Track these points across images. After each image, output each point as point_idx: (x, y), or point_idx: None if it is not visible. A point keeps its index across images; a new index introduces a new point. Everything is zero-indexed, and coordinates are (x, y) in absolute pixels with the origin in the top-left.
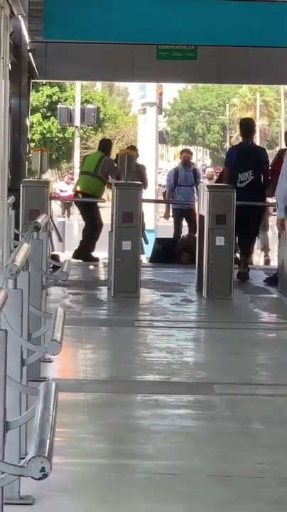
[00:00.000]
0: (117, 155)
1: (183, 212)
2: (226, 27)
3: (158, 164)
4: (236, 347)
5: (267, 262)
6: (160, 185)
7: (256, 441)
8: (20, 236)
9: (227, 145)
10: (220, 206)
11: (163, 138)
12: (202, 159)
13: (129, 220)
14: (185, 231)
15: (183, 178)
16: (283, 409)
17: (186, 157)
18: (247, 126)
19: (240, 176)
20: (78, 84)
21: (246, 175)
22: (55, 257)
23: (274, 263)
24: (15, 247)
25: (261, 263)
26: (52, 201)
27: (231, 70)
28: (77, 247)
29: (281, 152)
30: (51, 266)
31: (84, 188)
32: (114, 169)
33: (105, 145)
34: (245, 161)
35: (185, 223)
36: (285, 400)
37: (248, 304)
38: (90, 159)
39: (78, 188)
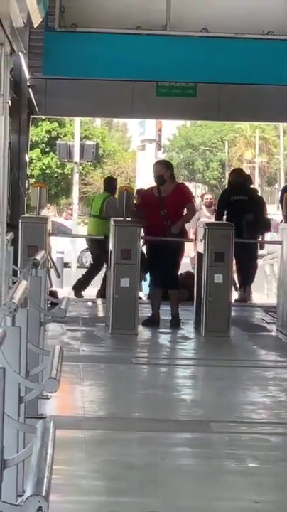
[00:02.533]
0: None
1: None
2: (226, 64)
3: None
4: (233, 385)
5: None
6: None
7: (253, 480)
8: (18, 272)
9: (226, 182)
10: (218, 244)
11: None
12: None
13: (128, 257)
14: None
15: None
16: (280, 448)
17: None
18: None
19: None
20: (77, 120)
21: None
22: (53, 294)
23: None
24: (14, 283)
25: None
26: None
27: (229, 108)
28: (75, 283)
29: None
30: (49, 302)
31: (92, 231)
32: (114, 210)
33: (109, 184)
34: None
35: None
36: (282, 439)
37: (246, 341)
38: (96, 201)
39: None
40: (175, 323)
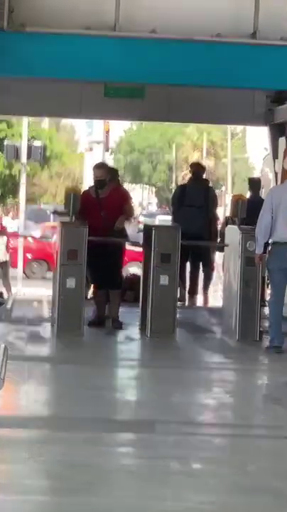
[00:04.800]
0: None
1: None
2: (174, 66)
3: None
4: (178, 386)
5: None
6: None
7: (196, 481)
8: None
9: (173, 185)
10: (165, 245)
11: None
12: (147, 198)
13: (74, 257)
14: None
15: None
16: (224, 449)
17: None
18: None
19: None
20: (25, 120)
21: None
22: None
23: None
24: None
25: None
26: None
27: (178, 109)
28: None
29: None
30: None
31: None
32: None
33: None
34: None
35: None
36: (226, 440)
37: (192, 343)
38: None
39: None
40: (117, 326)
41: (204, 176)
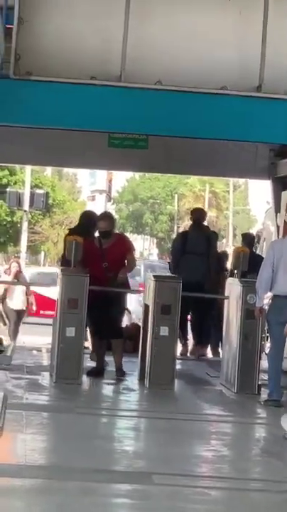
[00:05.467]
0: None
1: None
2: (179, 118)
3: None
4: (176, 438)
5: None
6: None
7: None
8: None
9: (174, 235)
10: (166, 296)
11: None
12: (148, 248)
13: (74, 306)
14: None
15: None
16: (221, 502)
17: None
18: None
19: None
20: (28, 168)
21: None
22: None
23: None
24: None
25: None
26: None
27: (179, 161)
28: None
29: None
30: None
31: None
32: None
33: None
34: None
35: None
36: (223, 493)
37: (190, 395)
38: None
39: None
40: (120, 375)
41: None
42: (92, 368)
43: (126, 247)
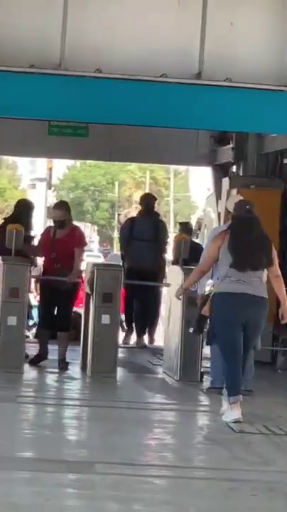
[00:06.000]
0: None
1: None
2: (118, 106)
3: None
4: (118, 426)
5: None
6: None
7: None
8: None
9: (115, 222)
10: (107, 284)
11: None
12: (89, 236)
13: (16, 295)
14: None
15: None
16: (165, 490)
17: None
18: None
19: None
20: None
21: None
22: None
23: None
24: None
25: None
26: None
27: (120, 149)
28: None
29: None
30: None
31: None
32: None
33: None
34: None
35: None
36: (167, 482)
37: (132, 383)
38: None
39: None
40: (63, 367)
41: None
42: (35, 355)
43: (76, 241)
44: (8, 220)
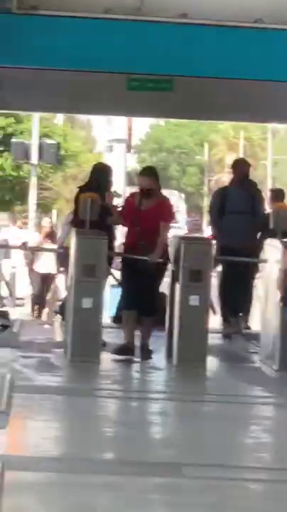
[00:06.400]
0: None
1: None
2: (207, 56)
3: None
4: (209, 423)
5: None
6: None
7: None
8: None
9: (205, 189)
10: (195, 260)
11: (132, 179)
12: (176, 205)
13: (91, 274)
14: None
15: None
16: (261, 496)
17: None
18: None
19: None
20: (36, 116)
21: None
22: (4, 314)
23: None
24: None
25: None
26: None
27: (210, 105)
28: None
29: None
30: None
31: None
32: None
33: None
34: None
35: None
36: (262, 486)
37: (225, 373)
38: None
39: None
40: (146, 356)
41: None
42: (120, 345)
43: (164, 213)
44: (82, 189)
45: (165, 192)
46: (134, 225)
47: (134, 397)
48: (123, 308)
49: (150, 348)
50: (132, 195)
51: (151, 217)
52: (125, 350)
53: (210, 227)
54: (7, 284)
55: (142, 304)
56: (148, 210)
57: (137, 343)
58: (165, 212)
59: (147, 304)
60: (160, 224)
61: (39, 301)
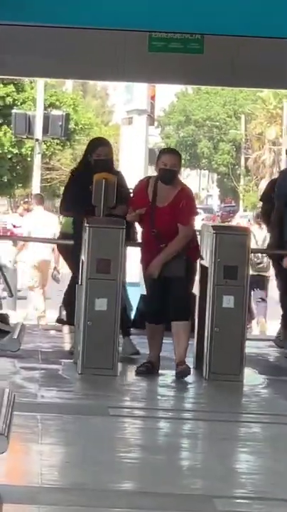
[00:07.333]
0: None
1: None
2: (244, 12)
3: None
4: (245, 447)
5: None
6: None
7: None
8: None
9: (242, 169)
10: (230, 254)
11: (154, 157)
12: (206, 188)
13: (106, 270)
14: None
15: None
16: None
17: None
18: None
19: None
20: (40, 82)
21: None
22: (3, 319)
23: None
24: None
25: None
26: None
27: (248, 69)
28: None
29: None
30: None
31: (66, 228)
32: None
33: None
34: None
35: None
36: None
37: (264, 388)
38: None
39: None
40: (183, 374)
41: None
42: (145, 363)
43: (183, 215)
44: (75, 172)
45: (193, 172)
46: (149, 224)
47: (157, 417)
48: (146, 321)
49: (187, 363)
50: (146, 180)
51: (168, 216)
52: (147, 368)
53: (261, 218)
54: (6, 282)
55: (173, 307)
56: (165, 208)
57: (164, 353)
58: (184, 210)
59: (179, 305)
60: (178, 226)
61: None
